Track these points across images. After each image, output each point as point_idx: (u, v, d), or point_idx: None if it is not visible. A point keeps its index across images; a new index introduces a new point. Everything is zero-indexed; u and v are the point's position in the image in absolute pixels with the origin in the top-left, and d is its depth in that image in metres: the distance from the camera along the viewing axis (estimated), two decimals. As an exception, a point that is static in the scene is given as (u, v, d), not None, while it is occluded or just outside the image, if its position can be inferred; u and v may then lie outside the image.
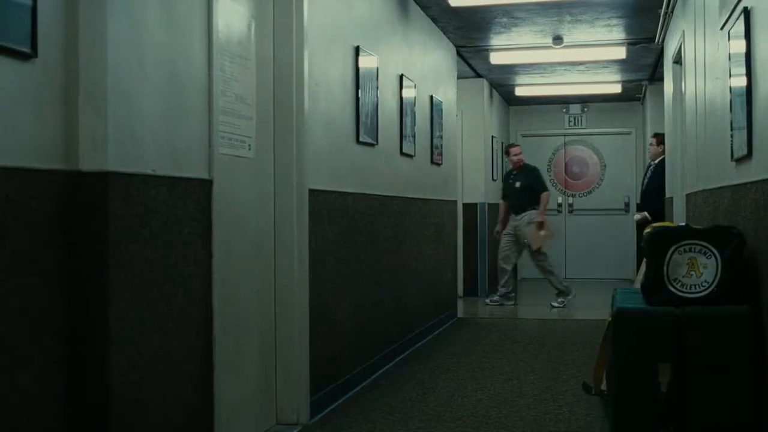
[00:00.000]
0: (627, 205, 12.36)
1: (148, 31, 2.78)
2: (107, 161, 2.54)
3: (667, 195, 7.91)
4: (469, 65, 9.29)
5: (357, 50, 5.00)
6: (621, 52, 8.36)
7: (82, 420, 2.53)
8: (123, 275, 2.62)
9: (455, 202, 8.35)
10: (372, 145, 5.32)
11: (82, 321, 2.53)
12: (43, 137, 2.41)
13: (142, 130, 2.74)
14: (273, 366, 4.03)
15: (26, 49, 2.30)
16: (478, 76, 10.05)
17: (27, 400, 2.33)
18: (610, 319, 3.57)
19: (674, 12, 6.60)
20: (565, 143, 12.52)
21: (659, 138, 7.98)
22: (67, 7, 2.50)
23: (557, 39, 7.84)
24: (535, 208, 8.98)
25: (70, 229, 2.50)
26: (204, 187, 3.13)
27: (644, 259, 3.77)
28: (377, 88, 5.41)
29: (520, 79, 10.40)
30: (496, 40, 8.08)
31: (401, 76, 6.10)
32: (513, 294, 9.31)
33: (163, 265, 2.84)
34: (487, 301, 9.37)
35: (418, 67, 6.69)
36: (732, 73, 3.82)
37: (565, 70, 9.67)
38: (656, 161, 8.06)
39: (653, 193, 7.93)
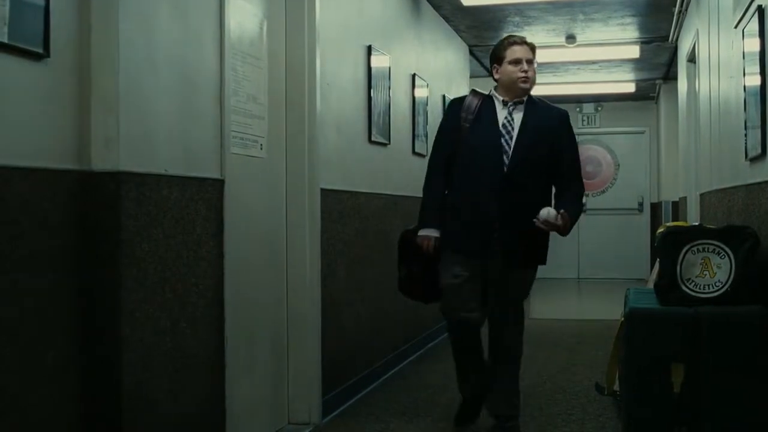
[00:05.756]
0: (641, 204, 12.32)
1: (160, 31, 2.79)
2: (119, 161, 2.55)
3: (681, 194, 7.88)
4: (482, 64, 9.27)
5: (369, 50, 5.00)
6: (635, 51, 8.33)
7: (94, 420, 2.54)
8: (135, 275, 2.62)
9: (468, 201, 8.31)
10: (384, 144, 5.32)
11: (95, 321, 2.53)
12: (56, 137, 2.42)
13: (154, 129, 2.75)
14: (285, 366, 4.03)
15: (39, 50, 2.31)
16: (491, 75, 10.03)
17: (40, 399, 2.34)
18: (623, 319, 3.56)
19: (688, 10, 6.57)
20: (578, 142, 12.48)
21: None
22: (79, 7, 2.51)
23: (570, 38, 7.82)
24: None
25: (83, 229, 2.50)
26: (216, 186, 3.13)
27: (657, 259, 3.75)
28: (389, 87, 5.40)
29: (532, 78, 10.36)
30: (508, 39, 8.06)
31: (413, 76, 6.09)
32: None
33: (175, 265, 2.85)
34: None
35: (430, 67, 6.68)
36: (746, 71, 3.80)
37: (578, 69, 9.64)
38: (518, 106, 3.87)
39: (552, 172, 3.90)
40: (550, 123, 3.82)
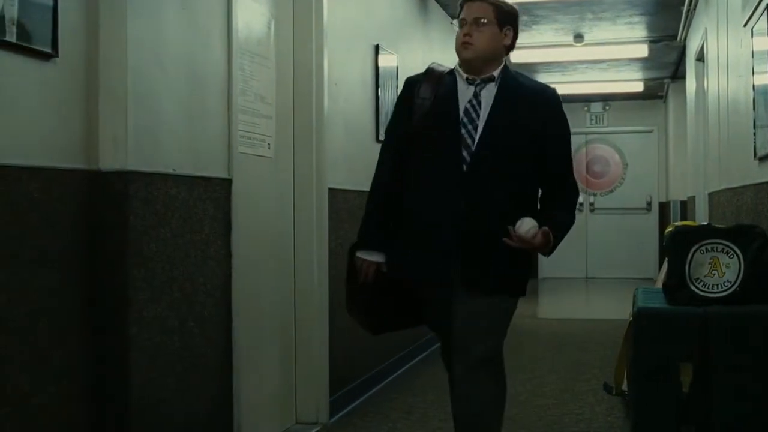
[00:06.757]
0: (649, 204, 12.28)
1: (167, 30, 2.79)
2: (127, 161, 2.55)
3: (689, 194, 7.85)
4: (490, 64, 9.26)
5: (377, 49, 5.00)
6: (643, 50, 8.31)
7: (102, 419, 2.54)
8: (143, 274, 2.62)
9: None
10: (392, 144, 5.31)
11: (103, 320, 2.54)
12: (64, 137, 2.43)
13: (162, 129, 2.75)
14: (293, 365, 4.04)
15: (47, 49, 2.32)
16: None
17: (48, 398, 2.34)
18: (631, 318, 3.55)
19: (697, 9, 6.55)
20: (586, 142, 12.47)
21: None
22: (87, 6, 2.51)
23: (578, 37, 7.81)
24: None
25: (91, 228, 2.51)
26: (224, 186, 3.13)
27: (666, 259, 3.74)
28: (397, 87, 5.39)
29: (540, 78, 10.32)
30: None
31: (421, 75, 6.08)
32: None
33: (183, 264, 2.85)
34: None
35: (438, 66, 6.67)
36: (755, 70, 3.78)
37: (586, 68, 9.62)
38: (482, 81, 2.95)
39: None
40: (532, 106, 2.88)
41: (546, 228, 2.70)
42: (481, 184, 2.79)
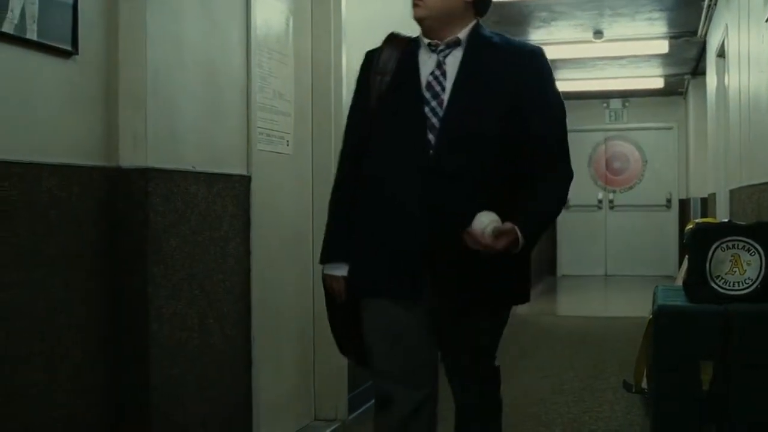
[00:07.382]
0: (669, 201, 12.22)
1: (187, 28, 2.80)
2: (147, 158, 2.56)
3: (710, 191, 7.80)
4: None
5: (395, 46, 4.99)
6: (663, 46, 8.26)
7: (123, 416, 2.55)
8: (163, 271, 2.63)
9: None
10: (410, 141, 5.30)
11: (123, 316, 2.55)
12: (84, 134, 2.44)
13: (182, 126, 2.76)
14: (311, 362, 4.04)
15: (67, 47, 2.33)
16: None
17: (68, 395, 2.36)
18: (651, 316, 3.53)
19: (717, 4, 6.50)
20: (605, 138, 12.41)
21: None
22: (107, 4, 2.52)
23: (597, 33, 7.78)
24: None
25: (111, 225, 2.52)
26: (243, 183, 3.14)
27: (686, 256, 3.72)
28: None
29: (559, 74, 10.32)
30: (535, 35, 8.03)
31: (440, 72, 6.06)
32: None
33: (202, 261, 2.86)
34: None
35: (456, 63, 6.65)
36: (777, 66, 3.75)
37: (605, 64, 9.58)
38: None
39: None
40: (505, 70, 2.32)
41: (509, 224, 2.17)
42: (452, 171, 2.27)
